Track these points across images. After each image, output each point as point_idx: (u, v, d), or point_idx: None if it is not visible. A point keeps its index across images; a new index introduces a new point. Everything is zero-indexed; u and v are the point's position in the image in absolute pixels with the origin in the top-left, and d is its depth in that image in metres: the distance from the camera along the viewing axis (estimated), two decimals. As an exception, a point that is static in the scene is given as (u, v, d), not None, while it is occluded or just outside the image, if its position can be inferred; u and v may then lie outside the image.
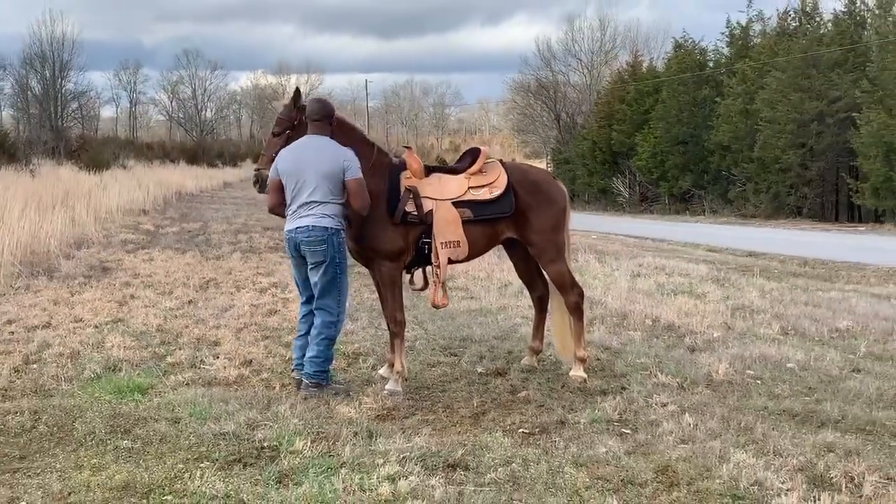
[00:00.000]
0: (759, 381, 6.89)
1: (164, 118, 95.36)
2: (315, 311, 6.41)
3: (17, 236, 13.29)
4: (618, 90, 47.72)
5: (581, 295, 7.04)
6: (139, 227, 19.16)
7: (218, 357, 7.34)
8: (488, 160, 6.79)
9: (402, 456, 4.97)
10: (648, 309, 9.84)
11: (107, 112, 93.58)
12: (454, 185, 6.61)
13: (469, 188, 6.62)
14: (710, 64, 42.30)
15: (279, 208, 6.44)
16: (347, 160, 6.22)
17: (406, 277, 6.92)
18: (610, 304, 10.24)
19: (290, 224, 6.30)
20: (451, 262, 6.64)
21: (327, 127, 6.37)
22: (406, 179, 6.53)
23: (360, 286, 10.78)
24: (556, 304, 7.16)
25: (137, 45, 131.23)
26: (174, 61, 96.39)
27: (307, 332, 6.46)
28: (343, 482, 4.58)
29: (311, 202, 6.19)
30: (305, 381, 6.34)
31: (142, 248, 15.31)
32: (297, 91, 6.62)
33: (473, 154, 6.86)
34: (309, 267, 6.33)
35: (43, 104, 72.26)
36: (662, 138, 41.15)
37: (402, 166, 6.62)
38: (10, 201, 15.83)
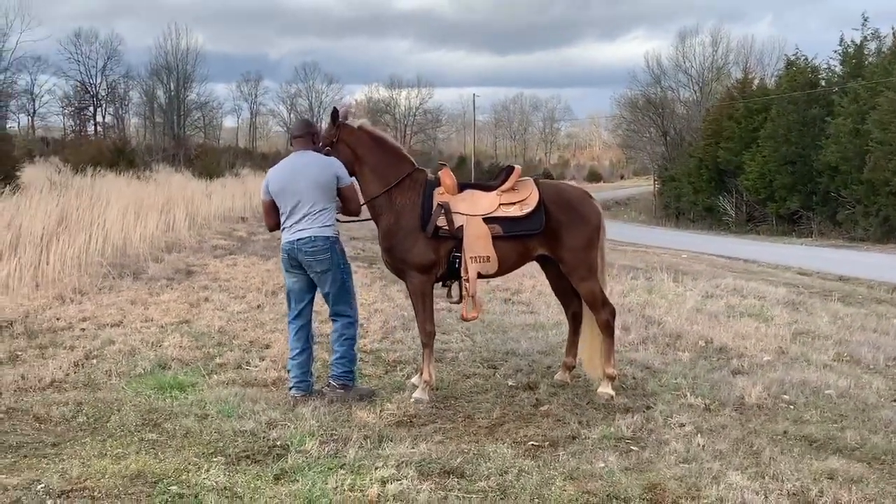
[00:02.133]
0: (791, 407, 6.81)
1: (283, 129, 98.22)
2: (332, 318, 6.73)
3: (111, 238, 14.11)
4: (726, 107, 46.78)
5: (612, 313, 7.10)
6: (233, 233, 19.93)
7: (264, 360, 7.69)
8: (521, 178, 6.94)
9: (401, 460, 5.18)
10: (705, 330, 9.75)
11: (229, 122, 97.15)
12: (486, 202, 6.79)
13: (500, 205, 6.79)
14: (822, 82, 41.06)
15: (278, 229, 6.72)
16: (337, 169, 6.56)
17: (445, 290, 7.14)
18: (668, 324, 10.18)
19: (289, 237, 6.54)
20: (480, 276, 6.81)
21: (310, 142, 6.72)
22: (439, 195, 6.76)
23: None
24: (587, 321, 7.24)
25: (263, 58, 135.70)
26: (293, 74, 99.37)
27: (303, 350, 6.68)
28: (336, 482, 4.81)
29: (309, 214, 6.47)
30: (333, 382, 6.61)
31: (229, 254, 15.96)
32: (335, 110, 6.94)
33: (508, 172, 7.03)
34: (315, 277, 6.58)
35: (166, 113, 75.74)
36: (770, 157, 40.12)
37: (438, 182, 6.85)
38: (113, 205, 16.73)
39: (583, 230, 6.94)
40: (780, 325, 10.47)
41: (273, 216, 6.69)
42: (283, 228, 6.61)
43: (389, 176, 6.86)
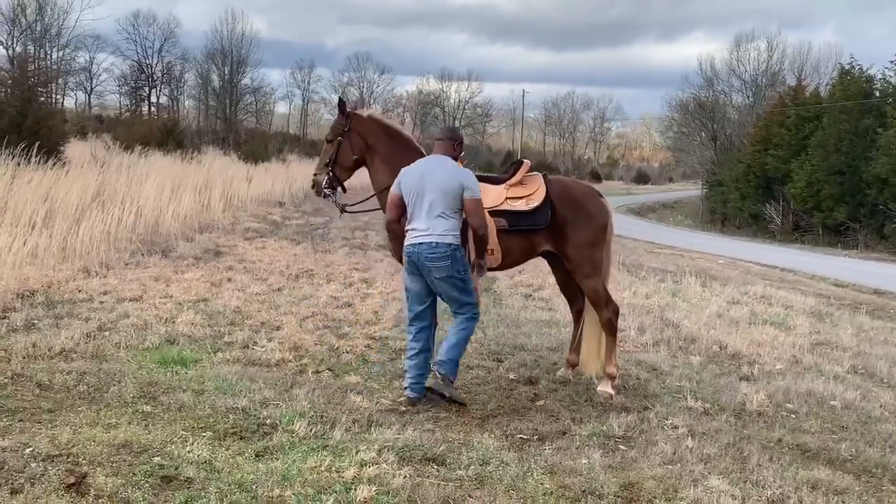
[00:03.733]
0: (792, 416, 6.75)
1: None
2: (455, 314, 6.45)
3: (144, 216, 14.35)
4: (777, 114, 46.14)
5: (616, 312, 7.08)
6: (267, 217, 20.14)
7: (271, 341, 7.78)
8: (530, 173, 6.94)
9: (384, 445, 5.23)
10: (722, 336, 9.67)
11: (281, 108, 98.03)
12: (492, 195, 6.80)
13: (507, 198, 6.80)
14: (877, 93, 40.29)
15: (396, 224, 6.46)
16: (464, 178, 6.30)
17: None
18: (685, 327, 10.10)
19: (411, 240, 6.29)
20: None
21: (451, 149, 6.53)
22: None
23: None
24: (588, 318, 7.22)
25: (320, 47, 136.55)
26: (346, 63, 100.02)
27: (421, 351, 6.39)
28: (315, 462, 4.87)
29: (432, 218, 6.22)
30: (440, 372, 6.26)
31: (260, 237, 16.15)
32: (341, 100, 7.01)
33: (517, 166, 7.04)
34: (433, 283, 6.32)
35: (220, 97, 76.72)
36: (819, 166, 39.51)
37: None
38: (150, 183, 17.00)
39: (589, 228, 6.92)
40: (800, 334, 10.35)
41: (396, 210, 6.41)
42: (407, 231, 6.37)
43: (400, 165, 6.89)
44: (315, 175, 7.19)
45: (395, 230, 6.49)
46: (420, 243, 6.22)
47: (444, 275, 6.23)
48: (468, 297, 6.39)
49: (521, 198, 6.79)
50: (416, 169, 6.41)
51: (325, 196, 7.17)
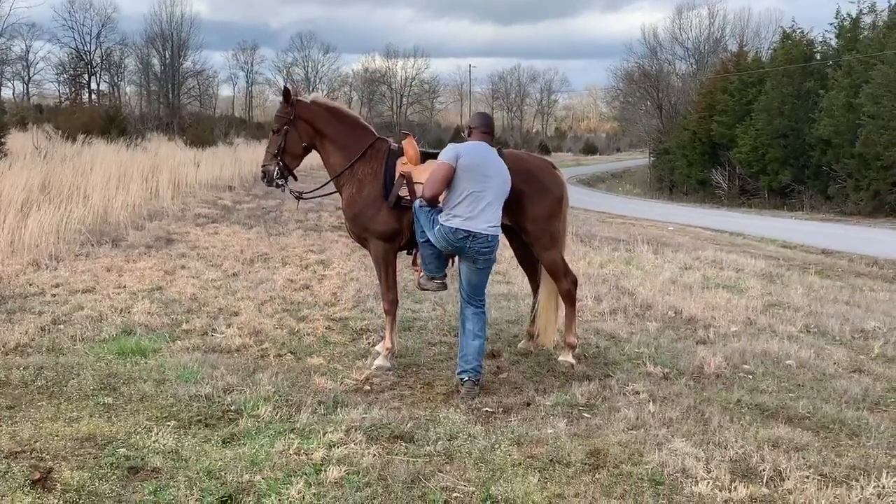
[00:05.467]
0: (749, 377, 6.88)
1: (278, 98, 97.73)
2: (468, 302, 6.38)
3: (93, 206, 14.11)
4: (720, 80, 46.68)
5: (574, 283, 7.13)
6: (217, 202, 19.91)
7: (230, 326, 7.73)
8: None
9: (352, 426, 5.24)
10: (677, 301, 9.81)
11: (225, 91, 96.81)
12: None
13: None
14: (818, 56, 40.92)
15: (437, 199, 6.31)
16: (509, 178, 6.37)
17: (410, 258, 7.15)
18: (640, 294, 10.23)
19: (460, 224, 6.13)
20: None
21: (490, 138, 6.54)
22: (402, 165, 6.76)
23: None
24: (544, 290, 7.27)
25: (264, 27, 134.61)
26: (289, 43, 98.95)
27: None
28: (283, 446, 4.87)
29: (488, 208, 6.19)
30: (473, 378, 6.21)
31: (212, 223, 15.97)
32: (286, 89, 6.89)
33: None
34: (470, 265, 6.27)
35: (161, 81, 75.54)
36: (763, 131, 40.08)
37: (401, 152, 6.84)
38: (96, 172, 16.72)
39: (545, 201, 6.94)
40: (752, 296, 10.54)
41: (442, 186, 6.20)
42: (454, 215, 6.17)
43: (351, 147, 6.86)
44: (264, 166, 7.02)
45: (434, 204, 6.33)
46: (473, 234, 6.12)
47: (487, 265, 6.35)
48: (484, 287, 6.47)
49: None
50: (480, 151, 6.31)
51: (278, 186, 7.06)
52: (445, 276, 6.63)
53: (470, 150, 6.28)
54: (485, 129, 6.56)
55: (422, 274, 6.68)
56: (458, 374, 6.26)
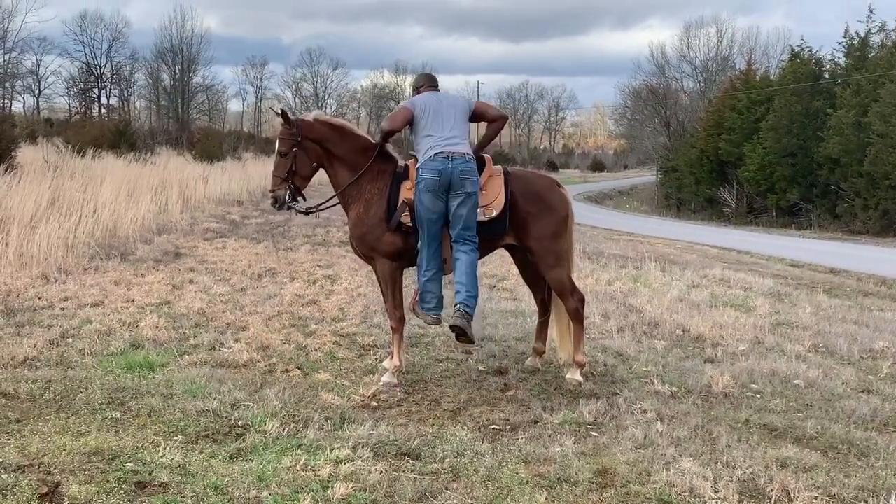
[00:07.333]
0: (757, 396, 6.85)
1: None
2: (457, 241, 6.60)
3: (103, 220, 14.18)
4: (729, 98, 46.75)
5: (581, 301, 7.12)
6: (226, 216, 19.97)
7: (238, 341, 7.73)
8: (493, 173, 6.88)
9: (359, 442, 5.23)
10: (685, 319, 9.78)
11: (235, 106, 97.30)
12: None
13: None
14: (826, 75, 40.97)
15: (392, 133, 6.83)
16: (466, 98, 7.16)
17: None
18: (648, 312, 10.21)
19: (443, 149, 6.51)
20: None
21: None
22: (406, 190, 6.73)
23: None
24: (557, 308, 7.28)
25: (275, 42, 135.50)
26: (299, 59, 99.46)
27: (439, 271, 6.70)
28: (290, 462, 4.87)
29: (458, 136, 6.65)
30: (465, 310, 6.51)
31: (220, 237, 16.02)
32: (283, 112, 6.80)
33: (480, 165, 6.93)
34: (457, 198, 6.49)
35: (171, 96, 75.94)
36: (771, 149, 40.15)
37: (407, 174, 6.82)
38: (105, 186, 16.79)
39: (550, 220, 6.93)
40: (760, 315, 10.51)
41: (401, 121, 6.77)
42: (428, 147, 6.58)
43: (358, 163, 6.83)
44: (273, 191, 6.89)
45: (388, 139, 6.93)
46: (454, 153, 6.50)
47: (472, 190, 6.53)
48: (475, 220, 6.64)
49: (480, 207, 6.73)
50: (431, 96, 6.87)
51: (289, 209, 7.00)
52: (440, 314, 6.70)
53: (422, 98, 6.85)
54: (431, 84, 7.10)
55: (418, 301, 6.72)
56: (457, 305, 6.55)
